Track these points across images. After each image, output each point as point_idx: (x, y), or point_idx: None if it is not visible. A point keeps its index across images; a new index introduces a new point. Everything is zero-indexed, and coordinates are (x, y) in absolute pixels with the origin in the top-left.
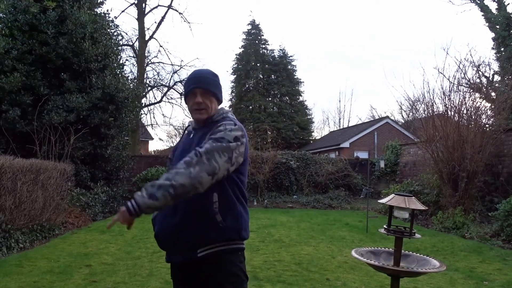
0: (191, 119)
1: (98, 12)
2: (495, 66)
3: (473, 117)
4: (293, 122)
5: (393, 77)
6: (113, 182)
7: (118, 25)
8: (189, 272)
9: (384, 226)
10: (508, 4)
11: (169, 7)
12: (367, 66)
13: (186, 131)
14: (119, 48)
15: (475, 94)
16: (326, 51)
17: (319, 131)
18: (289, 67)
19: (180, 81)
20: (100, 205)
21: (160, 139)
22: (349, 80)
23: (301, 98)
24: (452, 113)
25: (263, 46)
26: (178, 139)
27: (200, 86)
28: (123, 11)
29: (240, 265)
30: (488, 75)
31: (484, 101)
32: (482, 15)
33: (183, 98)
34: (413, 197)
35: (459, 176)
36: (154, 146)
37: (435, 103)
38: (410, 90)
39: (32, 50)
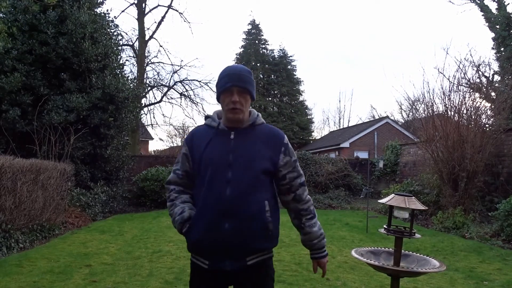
0: (211, 114)
1: (98, 12)
2: (495, 66)
3: (473, 117)
4: (293, 122)
5: (393, 77)
6: (113, 182)
7: (118, 25)
8: (233, 279)
9: (384, 226)
10: (508, 4)
11: (169, 7)
12: (367, 66)
13: (217, 129)
14: (119, 48)
15: (475, 94)
16: (326, 51)
17: (319, 131)
18: (289, 67)
19: (180, 81)
20: (100, 205)
21: (160, 139)
22: (349, 80)
23: (301, 98)
24: (452, 113)
25: (263, 46)
26: (178, 139)
27: (238, 84)
28: (123, 11)
29: (274, 268)
30: (488, 75)
31: (484, 101)
32: (482, 15)
33: (183, 98)
34: (413, 197)
35: (459, 176)
36: (154, 146)
37: (435, 103)
38: (410, 90)
39: (32, 50)
